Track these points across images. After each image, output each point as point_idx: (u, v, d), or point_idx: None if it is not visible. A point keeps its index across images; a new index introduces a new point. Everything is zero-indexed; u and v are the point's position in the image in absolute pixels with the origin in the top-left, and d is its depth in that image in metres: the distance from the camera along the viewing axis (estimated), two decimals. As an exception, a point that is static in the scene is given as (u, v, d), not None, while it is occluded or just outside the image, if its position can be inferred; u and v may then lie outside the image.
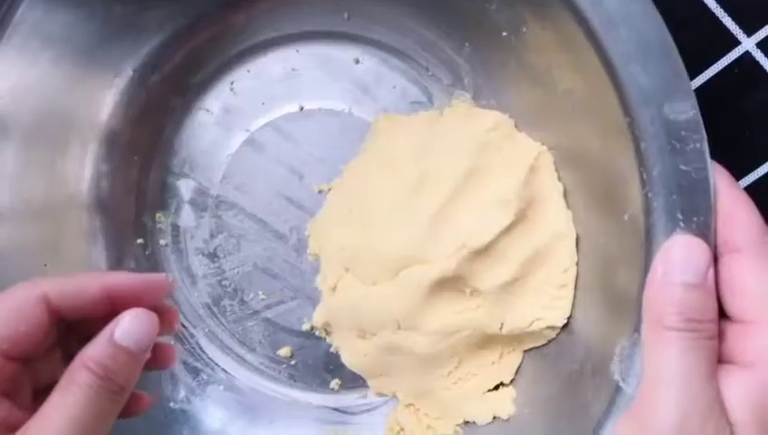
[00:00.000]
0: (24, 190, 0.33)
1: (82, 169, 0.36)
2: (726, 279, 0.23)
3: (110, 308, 0.23)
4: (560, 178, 0.32)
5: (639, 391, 0.23)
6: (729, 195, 0.23)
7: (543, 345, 0.33)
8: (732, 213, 0.23)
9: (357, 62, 0.37)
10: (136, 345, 0.21)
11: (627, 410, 0.24)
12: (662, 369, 0.22)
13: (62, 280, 0.22)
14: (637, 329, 0.25)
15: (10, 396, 0.21)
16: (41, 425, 0.19)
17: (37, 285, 0.22)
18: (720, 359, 0.22)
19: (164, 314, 0.24)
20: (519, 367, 0.34)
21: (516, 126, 0.33)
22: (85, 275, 0.23)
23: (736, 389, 0.21)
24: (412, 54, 0.36)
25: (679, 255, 0.23)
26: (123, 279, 0.23)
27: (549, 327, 0.31)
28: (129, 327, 0.21)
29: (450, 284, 0.31)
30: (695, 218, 0.24)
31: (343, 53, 0.37)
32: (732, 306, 0.23)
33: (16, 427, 0.20)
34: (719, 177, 0.23)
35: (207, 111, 0.38)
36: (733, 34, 0.33)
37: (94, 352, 0.21)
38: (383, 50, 0.36)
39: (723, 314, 0.23)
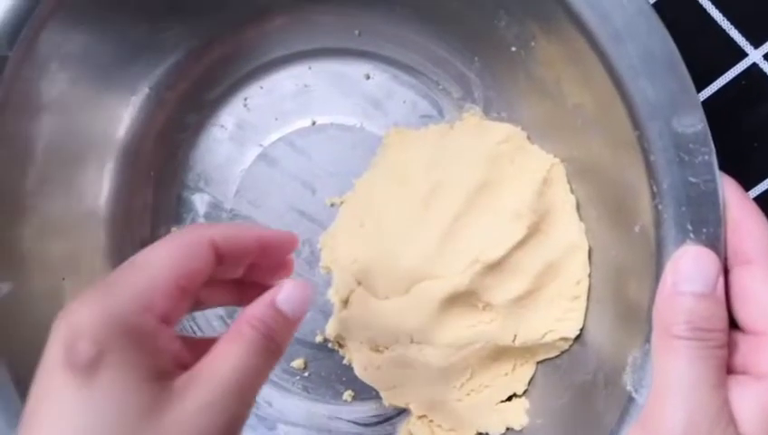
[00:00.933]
0: (42, 207, 0.34)
1: (100, 185, 0.37)
2: (738, 290, 0.23)
3: (257, 257, 0.25)
4: (572, 191, 0.32)
5: (647, 399, 0.23)
6: (739, 206, 0.23)
7: (556, 356, 0.33)
8: (742, 224, 0.23)
9: (368, 77, 0.37)
10: (292, 312, 0.23)
11: (636, 419, 0.24)
12: (670, 378, 0.22)
13: (225, 227, 0.24)
14: (648, 340, 0.25)
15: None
16: (211, 369, 0.21)
17: (207, 229, 0.24)
18: (733, 370, 0.23)
19: (289, 263, 0.28)
20: (532, 378, 0.34)
21: (528, 138, 0.33)
22: (243, 227, 0.26)
23: (748, 400, 0.21)
24: (422, 69, 0.37)
25: (689, 265, 0.23)
26: (272, 234, 0.26)
27: (562, 339, 0.31)
28: (289, 295, 0.23)
29: (463, 298, 0.32)
30: (704, 230, 0.24)
31: (354, 69, 0.37)
32: (744, 318, 0.23)
33: (186, 366, 0.21)
34: (729, 188, 0.24)
35: (222, 126, 0.39)
36: (740, 46, 0.34)
37: (258, 311, 0.23)
38: (393, 66, 0.37)
39: (736, 326, 0.23)
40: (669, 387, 0.22)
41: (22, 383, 0.30)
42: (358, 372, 0.35)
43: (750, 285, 0.23)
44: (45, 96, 0.32)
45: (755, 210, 0.24)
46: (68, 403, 0.18)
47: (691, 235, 0.24)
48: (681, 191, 0.24)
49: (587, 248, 0.31)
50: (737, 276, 0.23)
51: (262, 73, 0.38)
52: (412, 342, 0.33)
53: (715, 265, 0.23)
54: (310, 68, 0.38)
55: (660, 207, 0.25)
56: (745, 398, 0.22)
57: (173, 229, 0.39)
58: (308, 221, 0.38)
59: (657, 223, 0.25)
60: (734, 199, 0.24)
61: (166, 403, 0.19)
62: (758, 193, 0.34)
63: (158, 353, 0.20)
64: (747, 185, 0.34)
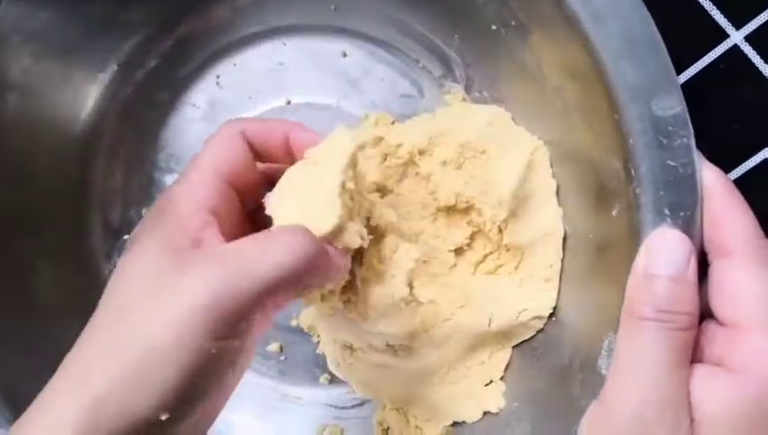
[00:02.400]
0: (8, 187, 0.33)
1: (68, 164, 0.35)
2: (717, 283, 0.23)
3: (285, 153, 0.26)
4: (553, 175, 0.32)
5: (608, 378, 0.23)
6: (722, 196, 0.23)
7: (532, 338, 0.33)
8: (724, 215, 0.23)
9: (344, 55, 0.36)
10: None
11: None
12: (629, 356, 0.22)
13: (255, 122, 0.26)
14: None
15: (229, 217, 0.25)
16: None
17: (237, 123, 0.25)
18: (709, 361, 0.22)
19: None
20: (508, 364, 0.34)
21: (513, 119, 0.33)
22: (274, 122, 0.26)
23: (716, 390, 0.21)
24: (401, 47, 0.36)
25: (661, 248, 0.23)
26: (296, 126, 0.26)
27: (536, 317, 0.31)
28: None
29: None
30: (681, 214, 0.24)
31: (331, 46, 0.36)
32: (723, 310, 0.22)
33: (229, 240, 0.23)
34: (712, 176, 0.23)
35: (194, 105, 0.37)
36: (721, 28, 0.33)
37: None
38: (371, 42, 0.36)
39: (714, 318, 0.23)
40: (627, 365, 0.22)
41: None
42: (330, 366, 0.35)
43: (729, 277, 0.22)
44: (8, 73, 0.31)
45: (738, 200, 0.23)
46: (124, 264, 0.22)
47: (668, 219, 0.24)
48: (659, 175, 0.24)
49: (562, 234, 0.31)
50: (717, 269, 0.23)
51: (235, 50, 0.37)
52: (387, 346, 0.32)
53: (686, 249, 0.23)
54: (284, 44, 0.37)
55: (638, 190, 0.24)
56: (713, 388, 0.21)
57: (144, 211, 0.38)
58: (284, 203, 0.37)
59: (635, 206, 0.25)
60: (718, 189, 0.23)
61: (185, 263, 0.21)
62: (737, 175, 0.34)
63: (181, 233, 0.22)
64: (727, 167, 0.34)
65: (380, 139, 0.34)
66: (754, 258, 0.22)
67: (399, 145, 0.34)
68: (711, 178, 0.23)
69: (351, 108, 0.37)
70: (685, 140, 0.24)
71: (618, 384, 0.22)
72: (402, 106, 0.36)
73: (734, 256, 0.22)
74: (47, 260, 0.34)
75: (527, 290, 0.32)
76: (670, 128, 0.24)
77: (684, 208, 0.24)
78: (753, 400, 0.21)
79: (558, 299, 0.31)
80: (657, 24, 0.24)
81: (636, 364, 0.22)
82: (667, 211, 0.24)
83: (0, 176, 0.32)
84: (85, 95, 0.35)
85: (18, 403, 0.29)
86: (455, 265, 0.34)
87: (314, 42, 0.36)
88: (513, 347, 0.34)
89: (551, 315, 0.32)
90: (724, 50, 0.33)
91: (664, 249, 0.23)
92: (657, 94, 0.24)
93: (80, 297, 0.35)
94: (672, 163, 0.24)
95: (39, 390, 0.21)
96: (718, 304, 0.22)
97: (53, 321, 0.33)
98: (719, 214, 0.23)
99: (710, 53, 0.34)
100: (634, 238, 0.25)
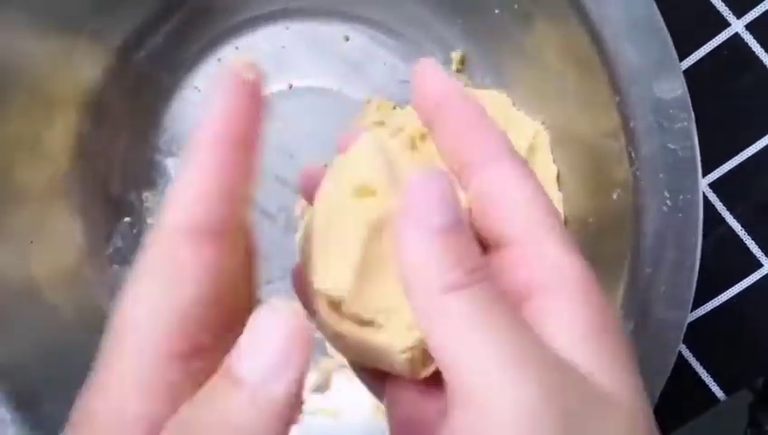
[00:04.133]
0: (9, 168, 0.33)
1: (68, 145, 0.35)
2: (481, 199, 0.17)
3: None
4: (554, 160, 0.32)
5: (452, 376, 0.15)
6: (462, 102, 0.18)
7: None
8: (467, 124, 0.18)
9: (347, 39, 0.37)
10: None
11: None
12: (463, 341, 0.15)
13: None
14: (623, 306, 0.25)
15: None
16: None
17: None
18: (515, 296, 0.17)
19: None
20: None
21: (513, 104, 0.33)
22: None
23: (565, 321, 0.16)
24: (403, 31, 0.36)
25: (422, 198, 0.16)
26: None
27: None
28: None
29: None
30: (681, 196, 0.24)
31: (333, 30, 0.36)
32: (496, 230, 0.17)
33: None
34: (428, 72, 0.18)
35: (196, 88, 0.37)
36: (722, 16, 0.33)
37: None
38: (373, 27, 0.36)
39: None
40: (470, 352, 0.14)
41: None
42: (329, 350, 0.35)
43: (496, 188, 0.17)
44: (13, 49, 0.31)
45: (472, 101, 0.18)
46: None
47: (668, 201, 0.24)
48: (659, 158, 0.24)
49: (562, 219, 0.31)
50: (478, 185, 0.17)
51: (237, 33, 0.37)
52: None
53: (446, 182, 0.16)
54: (287, 28, 0.37)
55: (638, 173, 0.24)
56: (559, 322, 0.16)
57: (145, 194, 0.38)
58: (285, 187, 0.37)
59: (635, 189, 0.25)
60: (454, 95, 0.18)
61: None
62: (736, 163, 0.34)
63: None
64: (726, 156, 0.34)
65: (381, 123, 0.35)
66: (519, 163, 0.17)
67: (400, 130, 0.34)
68: (424, 74, 0.18)
69: (353, 92, 0.37)
70: (685, 123, 0.24)
71: (478, 376, 0.14)
72: (403, 91, 0.36)
73: (498, 163, 0.17)
74: (45, 245, 0.34)
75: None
76: (671, 111, 0.24)
77: (683, 191, 0.24)
78: (597, 312, 0.16)
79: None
80: (659, 12, 0.24)
81: (480, 345, 0.14)
82: (666, 193, 0.24)
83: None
84: (88, 75, 0.35)
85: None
86: None
87: (316, 26, 0.36)
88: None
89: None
90: (725, 38, 0.34)
91: (428, 197, 0.16)
92: (659, 77, 0.24)
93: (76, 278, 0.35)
94: (672, 146, 0.24)
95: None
96: (490, 225, 0.17)
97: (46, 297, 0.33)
98: (459, 122, 0.18)
99: (711, 41, 0.34)
100: (634, 221, 0.25)
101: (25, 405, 0.29)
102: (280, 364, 0.14)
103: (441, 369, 0.15)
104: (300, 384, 0.14)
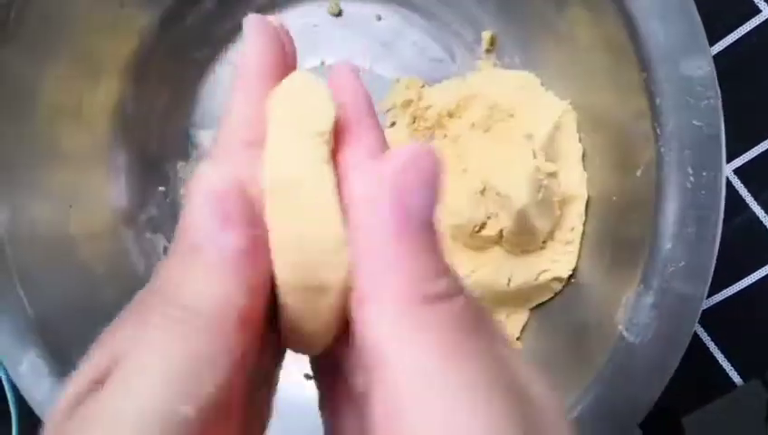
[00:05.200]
0: (52, 133, 0.34)
1: (109, 113, 0.37)
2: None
3: None
4: (580, 140, 0.32)
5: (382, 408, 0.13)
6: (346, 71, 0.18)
7: (549, 300, 0.33)
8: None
9: (379, 18, 0.37)
10: None
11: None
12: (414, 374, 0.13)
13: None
14: (642, 281, 0.26)
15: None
16: None
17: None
18: None
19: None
20: (525, 325, 0.35)
21: (541, 84, 0.33)
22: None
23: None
24: (434, 11, 0.36)
25: (418, 173, 0.14)
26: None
27: (555, 279, 0.32)
28: None
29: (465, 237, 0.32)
30: (704, 173, 0.24)
31: (366, 9, 0.37)
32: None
33: None
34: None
35: (230, 63, 0.39)
36: (753, 2, 0.34)
37: None
38: (405, 6, 0.37)
39: None
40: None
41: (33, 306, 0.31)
42: None
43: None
44: (63, 15, 0.32)
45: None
46: None
47: (691, 178, 0.24)
48: (684, 134, 0.24)
49: (585, 199, 0.32)
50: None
51: (272, 10, 0.38)
52: None
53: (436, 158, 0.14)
54: (320, 7, 0.38)
55: (663, 149, 0.25)
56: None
57: (179, 165, 0.39)
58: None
59: (659, 166, 0.25)
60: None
61: None
62: (760, 151, 0.34)
63: None
64: (752, 143, 0.34)
65: (410, 101, 0.35)
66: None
67: (428, 107, 0.34)
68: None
69: (383, 71, 0.37)
70: (712, 101, 0.24)
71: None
72: (433, 70, 0.37)
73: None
74: (83, 212, 0.36)
75: (548, 252, 0.32)
76: (698, 88, 0.24)
77: (707, 168, 0.24)
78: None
79: (578, 262, 0.32)
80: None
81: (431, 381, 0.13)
82: (690, 170, 0.24)
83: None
84: (130, 44, 0.36)
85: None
86: (478, 230, 0.34)
87: (349, 4, 0.37)
88: (531, 310, 0.34)
89: (569, 278, 0.32)
90: (755, 24, 0.34)
91: (422, 172, 0.14)
92: (687, 54, 0.24)
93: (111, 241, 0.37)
94: (698, 123, 0.24)
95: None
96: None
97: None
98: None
99: (741, 27, 0.34)
100: (657, 196, 0.25)
101: (60, 358, 0.31)
102: (221, 226, 0.14)
103: (365, 360, 0.14)
104: (253, 237, 0.14)
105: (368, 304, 0.14)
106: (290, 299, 0.15)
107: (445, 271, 0.14)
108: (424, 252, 0.14)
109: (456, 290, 0.14)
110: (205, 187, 0.14)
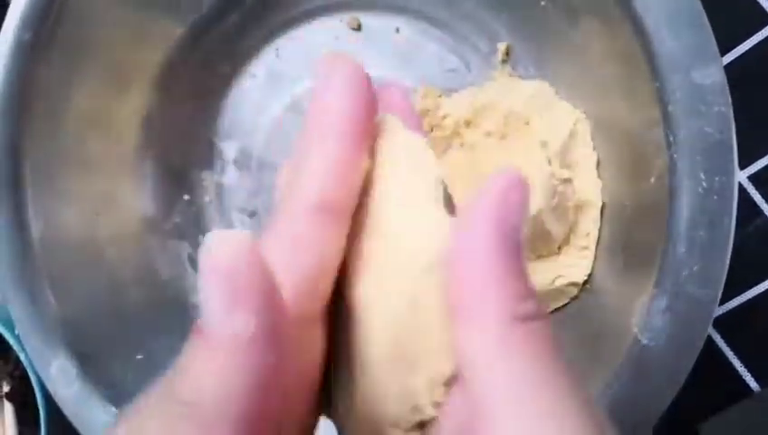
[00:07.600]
0: (83, 144, 0.35)
1: (137, 122, 0.38)
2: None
3: None
4: (594, 148, 0.33)
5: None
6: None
7: (564, 306, 0.34)
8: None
9: (397, 30, 0.38)
10: None
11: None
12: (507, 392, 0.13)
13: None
14: (657, 285, 0.26)
15: None
16: None
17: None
18: None
19: None
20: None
21: (556, 93, 0.34)
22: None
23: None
24: (451, 23, 0.38)
25: (505, 201, 0.14)
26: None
27: (571, 284, 0.33)
28: None
29: None
30: (716, 178, 0.25)
31: (385, 22, 0.38)
32: None
33: None
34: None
35: (253, 75, 0.40)
36: (766, 11, 0.34)
37: None
38: (422, 19, 0.38)
39: None
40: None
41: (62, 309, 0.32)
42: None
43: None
44: (94, 25, 0.33)
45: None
46: None
47: (703, 183, 0.25)
48: (696, 141, 0.25)
49: (600, 205, 0.32)
50: None
51: (294, 25, 0.39)
52: None
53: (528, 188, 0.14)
54: (341, 21, 0.39)
55: (675, 156, 0.25)
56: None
57: (204, 173, 0.40)
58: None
59: (671, 171, 0.26)
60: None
61: None
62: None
63: None
64: (766, 149, 0.35)
65: (427, 111, 0.36)
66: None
67: (445, 116, 0.35)
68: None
69: (402, 81, 0.38)
70: (723, 108, 0.25)
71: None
72: (449, 80, 0.38)
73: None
74: (111, 219, 0.37)
75: (564, 257, 0.33)
76: (709, 96, 0.25)
77: (719, 174, 0.25)
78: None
79: (593, 267, 0.33)
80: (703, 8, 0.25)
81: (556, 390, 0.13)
82: (702, 176, 0.25)
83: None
84: (158, 54, 0.38)
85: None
86: None
87: (370, 18, 0.39)
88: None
89: (585, 283, 0.33)
90: (767, 34, 0.34)
91: (510, 201, 0.14)
92: (697, 63, 0.25)
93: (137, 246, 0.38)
94: (709, 130, 0.25)
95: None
96: None
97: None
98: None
99: (754, 36, 0.34)
100: (670, 202, 0.26)
101: (88, 361, 0.32)
102: (226, 306, 0.12)
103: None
104: (265, 322, 0.12)
105: (470, 323, 0.13)
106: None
107: (533, 292, 0.14)
108: (518, 272, 0.13)
109: (543, 311, 0.14)
110: (213, 260, 0.12)
